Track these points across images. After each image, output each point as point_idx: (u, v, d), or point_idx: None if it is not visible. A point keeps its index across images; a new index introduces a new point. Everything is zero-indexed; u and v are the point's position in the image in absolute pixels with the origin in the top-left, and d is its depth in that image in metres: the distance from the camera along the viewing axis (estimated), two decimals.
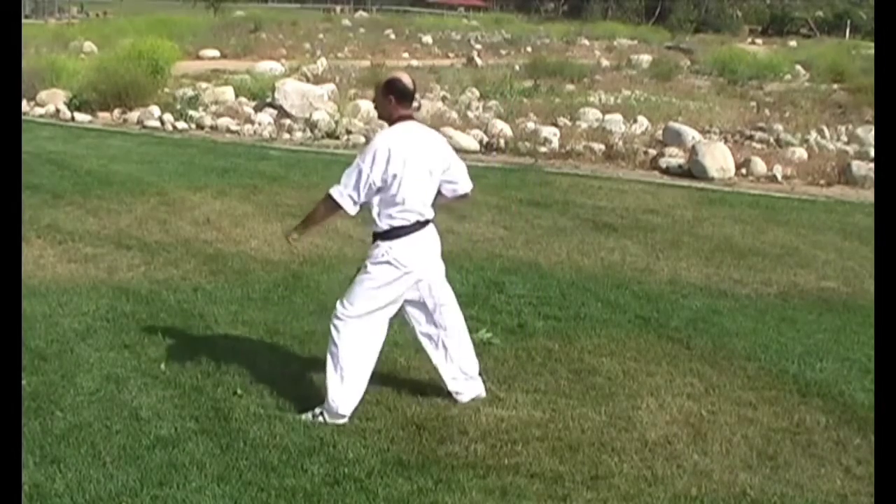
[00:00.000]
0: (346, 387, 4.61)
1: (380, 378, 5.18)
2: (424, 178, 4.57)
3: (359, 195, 4.49)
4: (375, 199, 4.53)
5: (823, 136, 15.29)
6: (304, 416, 4.67)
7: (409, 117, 4.64)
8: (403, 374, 5.27)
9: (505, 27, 42.34)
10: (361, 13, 55.52)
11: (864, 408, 5.06)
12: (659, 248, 8.48)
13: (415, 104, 4.78)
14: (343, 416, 4.63)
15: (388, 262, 4.56)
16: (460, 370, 4.89)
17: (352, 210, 4.54)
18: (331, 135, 14.24)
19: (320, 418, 4.64)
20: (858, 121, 16.77)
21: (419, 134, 4.64)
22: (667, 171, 12.52)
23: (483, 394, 4.96)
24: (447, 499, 3.99)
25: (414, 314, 4.82)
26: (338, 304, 4.67)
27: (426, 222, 4.63)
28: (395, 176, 4.46)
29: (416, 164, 4.51)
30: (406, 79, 4.67)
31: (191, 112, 15.37)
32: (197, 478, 4.07)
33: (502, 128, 14.27)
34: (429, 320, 4.80)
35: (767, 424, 4.86)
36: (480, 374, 5.03)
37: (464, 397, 4.90)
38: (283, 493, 3.98)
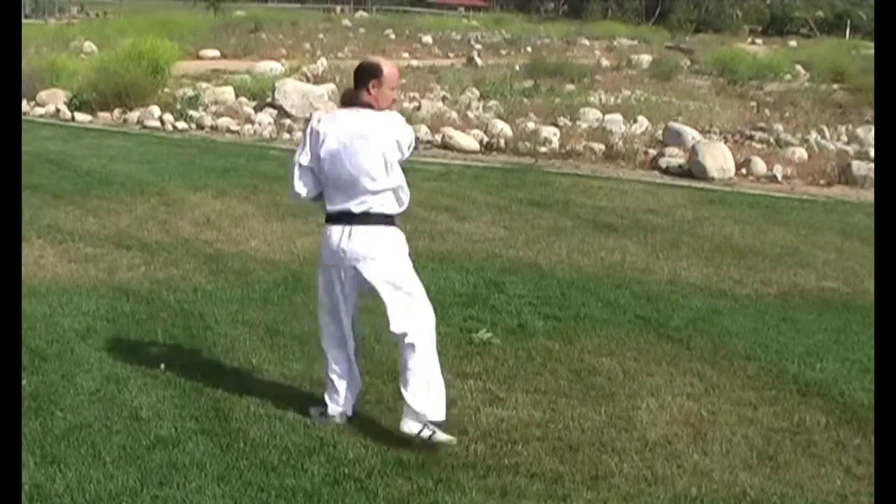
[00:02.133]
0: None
1: (380, 378, 5.18)
2: None
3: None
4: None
5: (823, 136, 15.30)
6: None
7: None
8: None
9: (505, 27, 42.31)
10: (361, 13, 55.48)
11: (864, 408, 5.06)
12: (659, 248, 8.48)
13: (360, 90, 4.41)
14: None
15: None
16: None
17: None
18: None
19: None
20: (858, 121, 16.78)
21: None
22: (667, 171, 12.53)
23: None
24: (447, 499, 3.99)
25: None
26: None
27: None
28: None
29: None
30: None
31: (191, 112, 15.36)
32: (197, 478, 4.07)
33: (502, 128, 14.27)
34: None
35: (767, 424, 4.86)
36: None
37: None
38: (283, 493, 3.98)
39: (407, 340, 4.38)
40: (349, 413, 4.67)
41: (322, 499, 3.97)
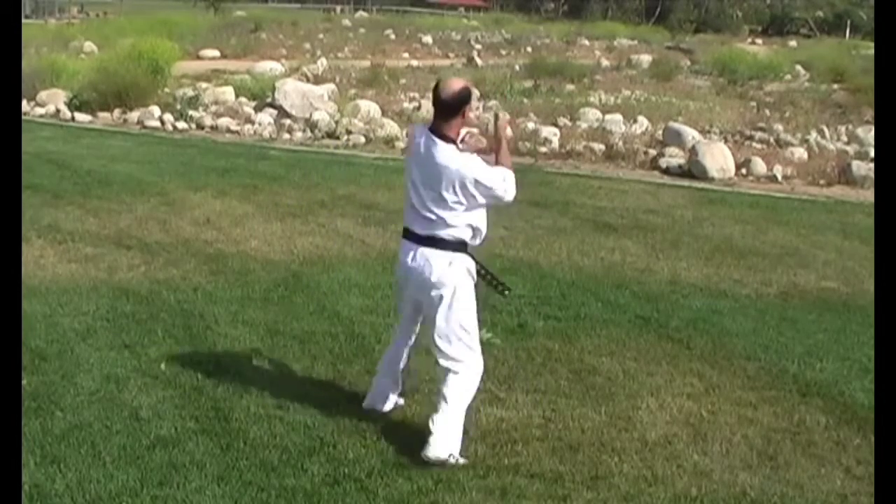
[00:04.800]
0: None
1: None
2: (418, 188, 4.31)
3: None
4: None
5: (823, 136, 15.30)
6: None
7: (431, 129, 4.37)
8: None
9: (505, 27, 42.33)
10: (361, 13, 55.48)
11: (864, 408, 5.06)
12: (659, 248, 8.47)
13: (442, 119, 4.33)
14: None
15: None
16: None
17: None
18: (331, 135, 14.25)
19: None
20: (858, 121, 16.78)
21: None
22: (667, 171, 12.53)
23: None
24: (447, 499, 3.99)
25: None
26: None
27: (411, 233, 4.36)
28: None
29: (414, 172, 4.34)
30: (441, 85, 4.36)
31: (191, 112, 15.37)
32: (197, 478, 4.07)
33: None
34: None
35: (767, 424, 4.86)
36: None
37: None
38: (283, 493, 3.98)
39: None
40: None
41: (322, 499, 3.97)
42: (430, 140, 4.30)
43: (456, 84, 4.34)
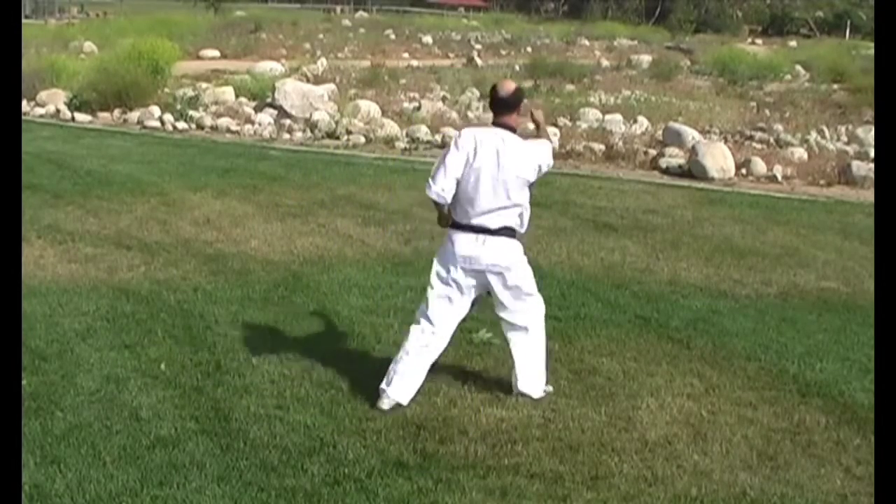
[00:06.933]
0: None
1: (380, 378, 5.18)
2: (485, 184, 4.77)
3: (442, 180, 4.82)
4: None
5: (823, 137, 15.30)
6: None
7: (496, 123, 4.88)
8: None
9: (505, 27, 42.32)
10: (361, 13, 55.48)
11: (864, 408, 5.06)
12: (659, 248, 8.48)
13: (505, 113, 4.87)
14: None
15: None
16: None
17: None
18: (331, 135, 14.25)
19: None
20: (858, 121, 16.78)
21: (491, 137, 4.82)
22: (667, 172, 12.53)
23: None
24: (447, 499, 4.00)
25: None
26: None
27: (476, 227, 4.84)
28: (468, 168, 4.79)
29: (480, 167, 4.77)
30: (498, 87, 4.92)
31: (191, 112, 15.37)
32: (197, 478, 4.07)
33: None
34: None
35: (767, 424, 4.87)
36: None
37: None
38: (283, 494, 3.98)
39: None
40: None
41: (322, 499, 3.97)
42: (499, 136, 4.82)
43: (510, 85, 4.96)
